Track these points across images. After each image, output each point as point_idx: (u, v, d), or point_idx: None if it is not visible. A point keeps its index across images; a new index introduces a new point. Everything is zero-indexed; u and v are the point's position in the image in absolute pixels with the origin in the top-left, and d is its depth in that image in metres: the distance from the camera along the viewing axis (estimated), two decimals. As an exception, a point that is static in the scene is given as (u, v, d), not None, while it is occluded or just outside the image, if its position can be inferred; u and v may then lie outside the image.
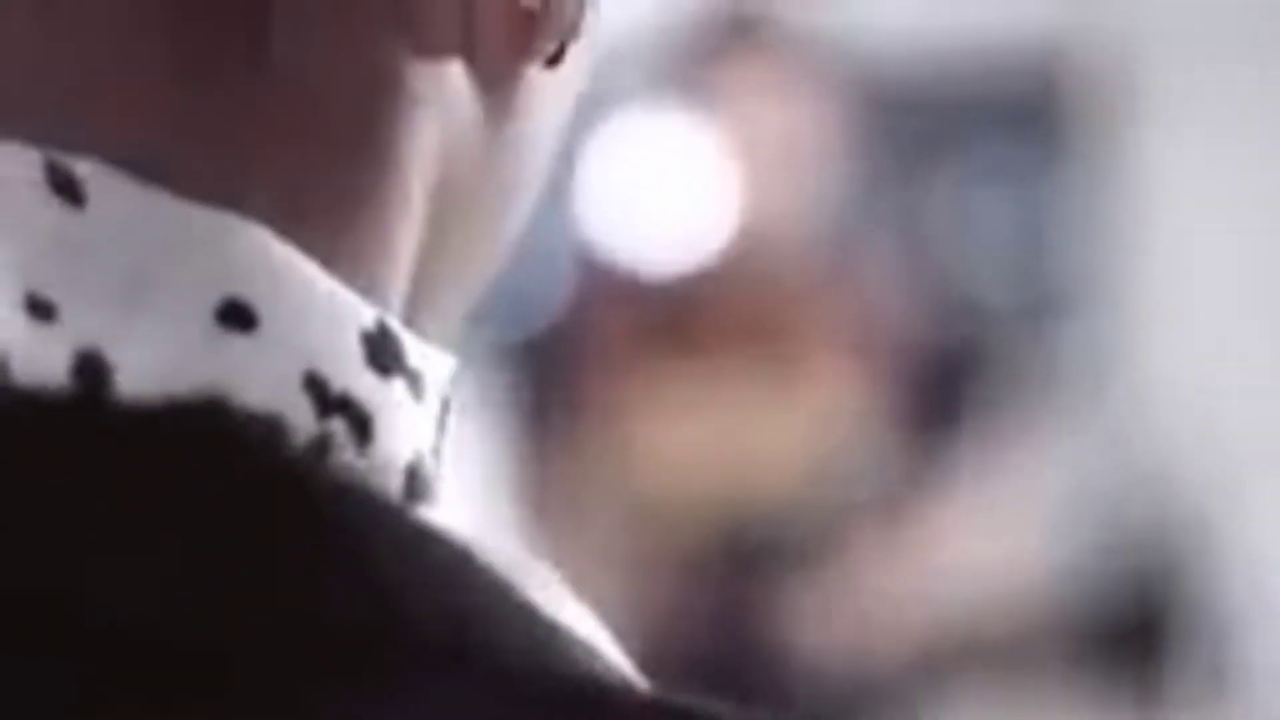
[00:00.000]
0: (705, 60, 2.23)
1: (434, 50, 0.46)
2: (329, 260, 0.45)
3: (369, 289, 0.46)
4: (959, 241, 6.10)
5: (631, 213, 2.51)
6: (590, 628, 0.45)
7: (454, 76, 0.46)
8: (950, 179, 6.57)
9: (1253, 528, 5.24)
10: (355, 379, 0.44)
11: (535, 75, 0.48)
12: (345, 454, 0.44)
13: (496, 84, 0.47)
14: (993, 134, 6.60)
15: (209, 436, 0.42)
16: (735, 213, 2.26)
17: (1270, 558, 5.05)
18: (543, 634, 0.42)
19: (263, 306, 0.44)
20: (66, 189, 0.43)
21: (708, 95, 2.25)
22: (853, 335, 2.20)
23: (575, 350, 2.29)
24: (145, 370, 0.42)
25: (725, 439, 2.19)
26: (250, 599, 0.40)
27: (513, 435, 2.34)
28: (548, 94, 0.48)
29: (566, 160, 5.94)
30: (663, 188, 2.39)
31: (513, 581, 0.43)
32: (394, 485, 0.45)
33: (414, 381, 0.46)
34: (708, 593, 2.14)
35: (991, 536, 2.42)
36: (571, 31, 0.47)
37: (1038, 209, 6.56)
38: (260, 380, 0.43)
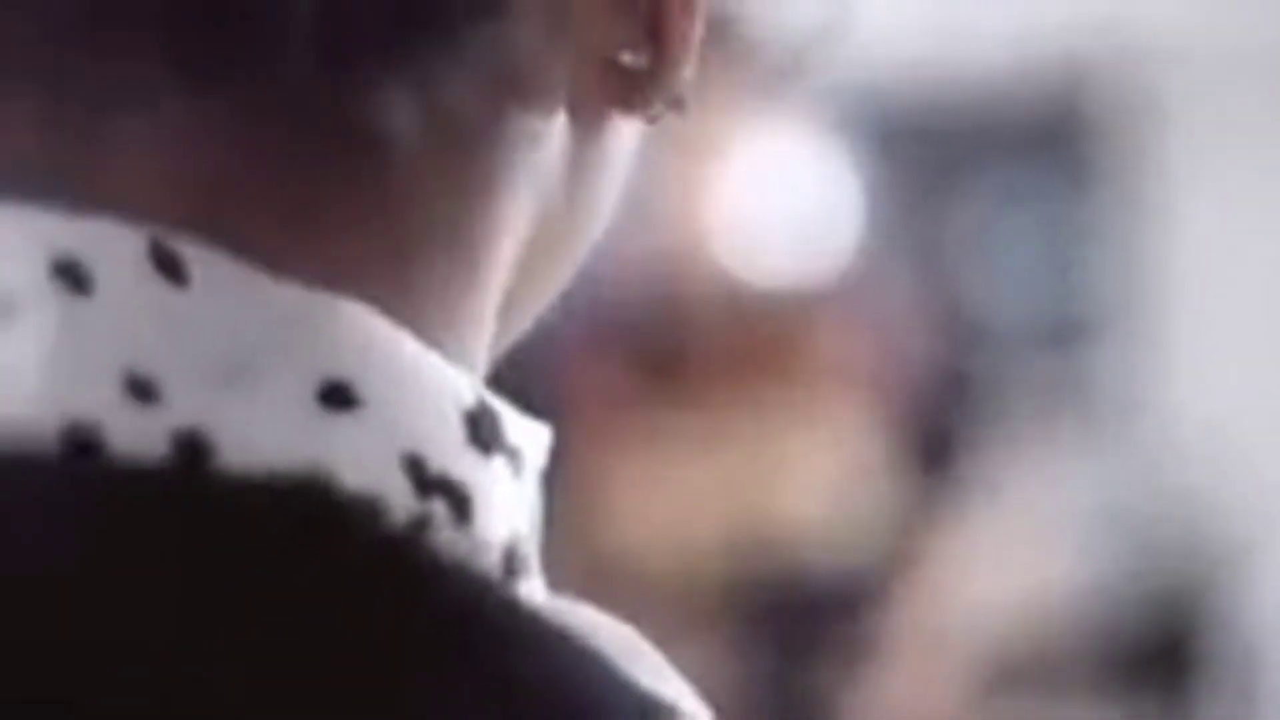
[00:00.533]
0: None
1: (539, 108, 0.46)
2: (430, 329, 0.45)
3: (463, 350, 0.46)
4: (981, 269, 6.09)
5: (620, 242, 2.47)
6: (693, 705, 0.45)
7: (552, 134, 0.47)
8: (971, 207, 6.56)
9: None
10: (455, 458, 0.44)
11: (619, 124, 0.48)
12: (444, 533, 0.43)
13: (590, 136, 0.48)
14: (1014, 160, 6.59)
15: (309, 515, 0.42)
16: (730, 238, 2.19)
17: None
18: (643, 710, 0.42)
19: (364, 387, 0.44)
20: (169, 267, 0.43)
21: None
22: (867, 370, 2.13)
23: (558, 397, 2.19)
24: (246, 451, 0.42)
25: (730, 488, 2.12)
26: (352, 688, 0.40)
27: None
28: (626, 140, 0.49)
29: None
30: (655, 215, 2.31)
31: (620, 662, 0.43)
32: (493, 563, 0.44)
33: (513, 458, 0.46)
34: (729, 657, 2.07)
35: (1018, 564, 2.39)
36: (672, 98, 0.47)
37: (1061, 234, 6.55)
38: (361, 461, 0.43)
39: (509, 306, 0.48)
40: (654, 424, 2.14)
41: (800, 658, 2.10)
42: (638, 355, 2.16)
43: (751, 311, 2.15)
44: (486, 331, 0.47)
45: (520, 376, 1.90)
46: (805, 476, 2.13)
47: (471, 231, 0.46)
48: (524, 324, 0.50)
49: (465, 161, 0.45)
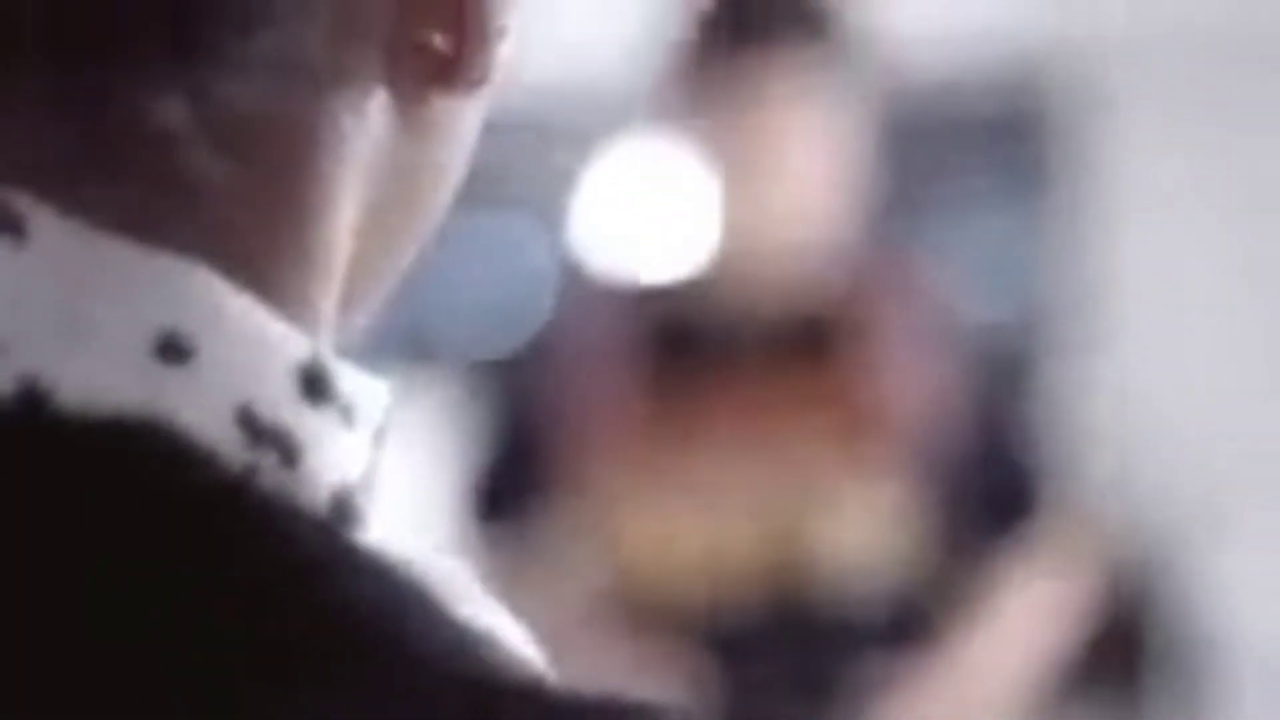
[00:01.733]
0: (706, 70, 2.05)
1: (340, 100, 0.50)
2: (267, 290, 0.48)
3: (304, 310, 0.49)
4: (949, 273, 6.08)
5: (633, 251, 2.41)
6: (515, 637, 0.48)
7: (369, 119, 0.50)
8: (931, 209, 6.56)
9: (1231, 555, 5.24)
10: (285, 410, 0.47)
11: (449, 101, 0.52)
12: (271, 478, 0.46)
13: (414, 118, 0.51)
14: (969, 161, 6.59)
15: (141, 456, 0.45)
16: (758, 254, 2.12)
17: (1247, 585, 5.04)
18: (453, 635, 0.45)
19: (197, 341, 0.47)
20: (8, 225, 0.46)
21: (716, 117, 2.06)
22: (896, 399, 2.07)
23: (588, 424, 2.14)
24: (84, 398, 0.45)
25: (763, 516, 2.11)
26: (174, 622, 0.43)
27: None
28: (458, 118, 0.53)
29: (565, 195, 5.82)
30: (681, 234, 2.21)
31: (440, 594, 0.46)
32: (319, 505, 0.47)
33: (346, 411, 0.49)
34: (752, 685, 2.04)
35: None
36: (481, 75, 0.51)
37: (1016, 233, 6.55)
38: (194, 410, 0.46)
39: (355, 277, 0.51)
40: (685, 450, 2.11)
41: (825, 689, 2.07)
42: (666, 379, 2.11)
43: (784, 330, 2.10)
44: (325, 300, 0.50)
45: (551, 406, 1.80)
46: (841, 506, 2.09)
47: (289, 214, 0.49)
48: (373, 294, 0.53)
49: (265, 154, 0.49)
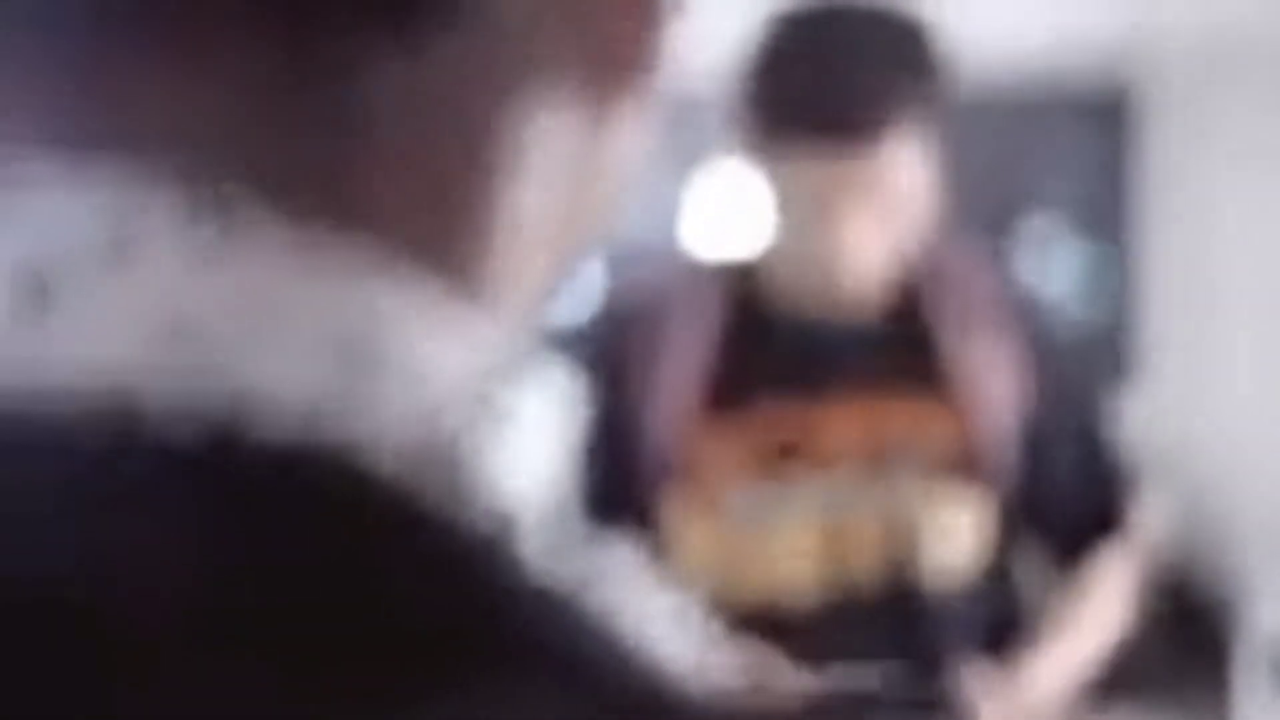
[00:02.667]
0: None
1: (543, 101, 0.49)
2: (448, 289, 0.48)
3: (479, 310, 0.49)
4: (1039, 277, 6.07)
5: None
6: (670, 623, 0.48)
7: (559, 127, 0.50)
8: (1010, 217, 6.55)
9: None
10: (466, 416, 0.47)
11: (619, 124, 0.51)
12: (454, 491, 0.46)
13: (591, 132, 0.51)
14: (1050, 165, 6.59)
15: (341, 480, 0.44)
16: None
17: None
18: (620, 648, 0.44)
19: (384, 346, 0.46)
20: (209, 216, 0.45)
21: None
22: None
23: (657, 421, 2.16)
24: (276, 408, 0.44)
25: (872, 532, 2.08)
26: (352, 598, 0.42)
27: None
28: (625, 140, 0.52)
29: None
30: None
31: (597, 605, 0.45)
32: (497, 515, 0.46)
33: (512, 418, 0.48)
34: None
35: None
36: (656, 63, 0.51)
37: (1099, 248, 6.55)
38: (385, 420, 0.45)
39: (525, 272, 0.51)
40: (795, 451, 2.08)
41: (930, 694, 2.06)
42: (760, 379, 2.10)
43: (881, 337, 2.09)
44: (494, 298, 0.50)
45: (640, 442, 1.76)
46: (953, 510, 2.09)
47: (475, 207, 0.48)
48: (525, 306, 0.52)
49: (460, 142, 0.48)
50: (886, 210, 1.94)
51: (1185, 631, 2.12)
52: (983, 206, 6.32)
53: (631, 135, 0.52)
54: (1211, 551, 5.22)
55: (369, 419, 0.45)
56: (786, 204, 1.97)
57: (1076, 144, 6.69)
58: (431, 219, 0.48)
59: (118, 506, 0.43)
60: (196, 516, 0.43)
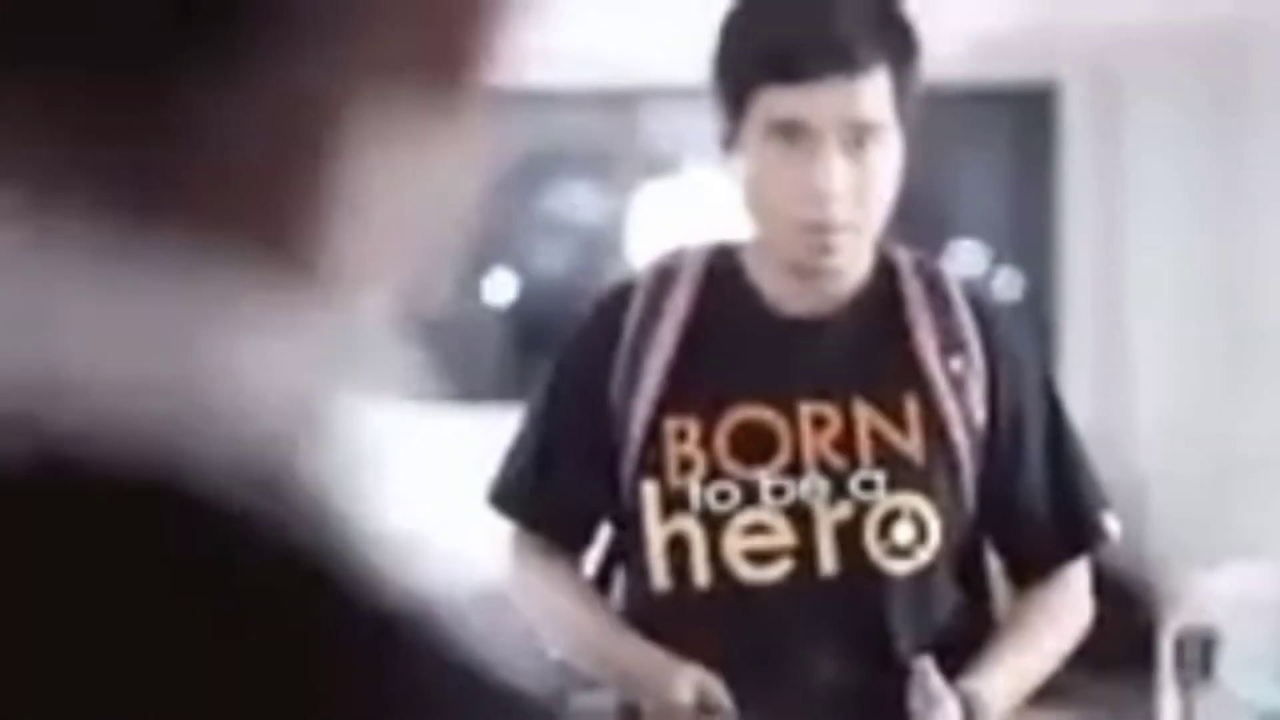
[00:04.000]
0: None
1: (388, 78, 0.50)
2: (285, 284, 0.49)
3: (319, 303, 0.50)
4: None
5: None
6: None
7: (402, 104, 0.50)
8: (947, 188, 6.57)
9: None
10: (298, 422, 0.49)
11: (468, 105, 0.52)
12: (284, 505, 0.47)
13: (437, 109, 0.51)
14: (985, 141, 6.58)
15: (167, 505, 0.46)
16: None
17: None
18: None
19: (206, 346, 0.48)
20: (27, 222, 0.47)
21: None
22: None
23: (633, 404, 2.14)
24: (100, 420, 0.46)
25: None
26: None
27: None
28: (477, 121, 0.52)
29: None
30: None
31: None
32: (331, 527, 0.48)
33: (356, 422, 0.50)
34: None
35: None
36: (501, 56, 0.51)
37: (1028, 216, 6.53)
38: (209, 433, 0.47)
39: (358, 280, 0.52)
40: (767, 438, 2.16)
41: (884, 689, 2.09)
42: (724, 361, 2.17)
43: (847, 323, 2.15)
44: (337, 291, 0.51)
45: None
46: (916, 494, 2.15)
47: (310, 199, 0.49)
48: (376, 299, 0.52)
49: (296, 138, 0.49)
50: (864, 170, 2.00)
51: (1109, 617, 2.15)
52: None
53: (481, 131, 0.51)
54: (1132, 538, 5.27)
55: (194, 428, 0.45)
56: (767, 163, 2.02)
57: (995, 149, 6.72)
58: (264, 211, 0.48)
59: None
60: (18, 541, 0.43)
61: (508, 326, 6.46)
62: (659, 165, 6.59)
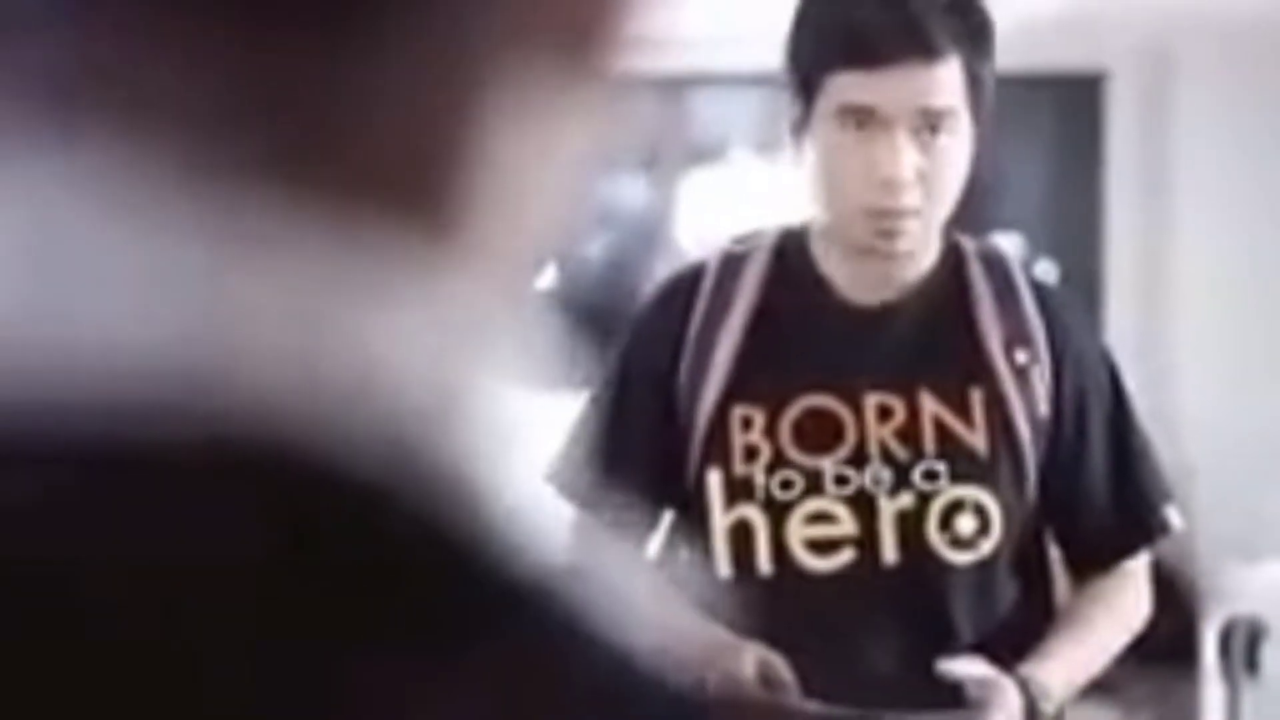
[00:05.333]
0: None
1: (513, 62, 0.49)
2: (426, 258, 0.50)
3: (459, 278, 0.51)
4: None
5: None
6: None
7: (526, 86, 0.50)
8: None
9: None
10: (431, 396, 0.49)
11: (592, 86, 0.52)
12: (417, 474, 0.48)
13: (563, 90, 0.51)
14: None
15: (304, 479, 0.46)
16: None
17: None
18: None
19: (342, 320, 0.48)
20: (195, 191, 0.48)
21: None
22: None
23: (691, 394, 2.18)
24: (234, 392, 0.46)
25: None
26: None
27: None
28: (601, 106, 0.53)
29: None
30: None
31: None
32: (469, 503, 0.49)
33: (490, 399, 0.50)
34: None
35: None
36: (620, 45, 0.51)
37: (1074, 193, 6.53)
38: (342, 405, 0.48)
39: (492, 258, 0.52)
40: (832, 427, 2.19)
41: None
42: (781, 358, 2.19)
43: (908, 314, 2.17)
44: (476, 267, 0.51)
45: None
46: (979, 481, 2.18)
47: (450, 173, 0.50)
48: (508, 279, 0.53)
49: (429, 114, 0.49)
50: (934, 157, 2.00)
51: (1153, 610, 2.15)
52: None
53: (604, 116, 0.52)
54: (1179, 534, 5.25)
55: (335, 402, 0.45)
56: (837, 148, 2.02)
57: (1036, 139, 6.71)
58: (410, 177, 0.48)
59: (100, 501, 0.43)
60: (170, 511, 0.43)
61: (550, 314, 6.46)
62: (706, 153, 6.58)
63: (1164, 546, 2.25)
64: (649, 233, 6.65)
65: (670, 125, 6.61)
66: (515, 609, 0.45)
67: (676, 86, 6.52)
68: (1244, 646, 4.56)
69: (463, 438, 0.47)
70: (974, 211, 6.52)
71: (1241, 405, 5.95)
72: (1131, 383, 2.18)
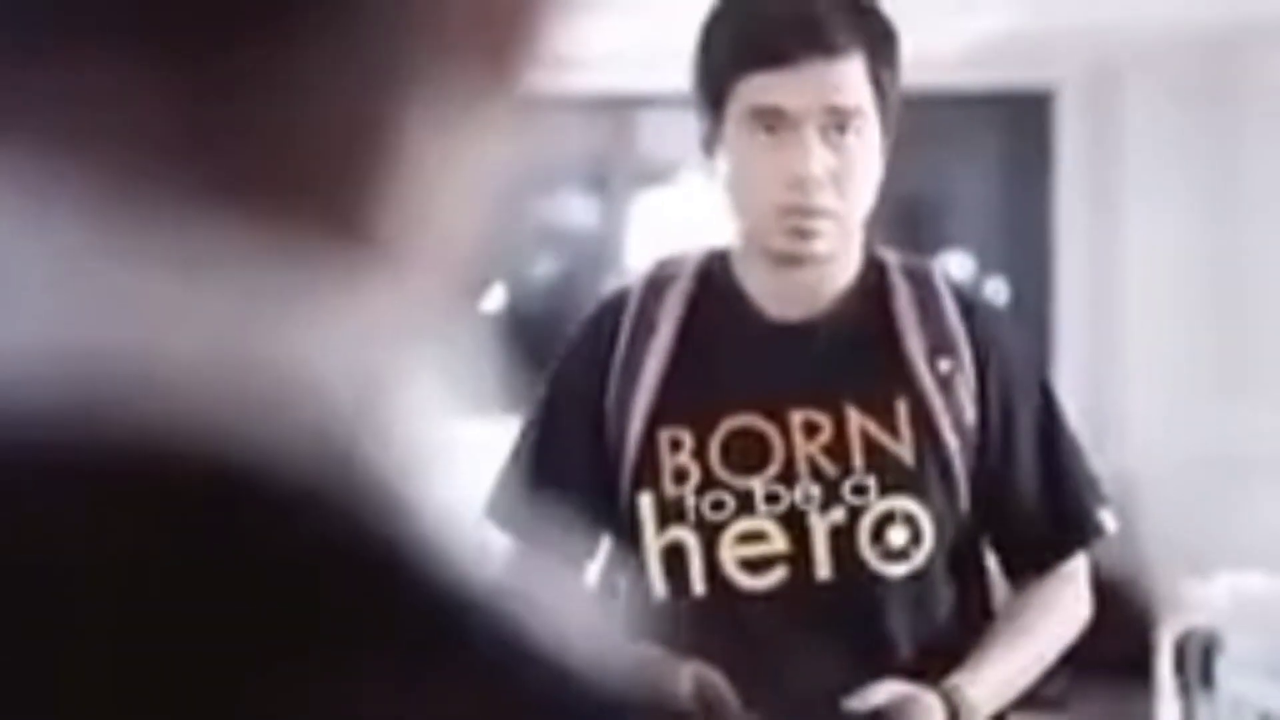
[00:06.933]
0: None
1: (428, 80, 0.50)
2: (347, 267, 0.50)
3: (381, 287, 0.51)
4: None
5: None
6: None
7: (442, 102, 0.50)
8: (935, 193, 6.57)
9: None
10: (362, 407, 0.50)
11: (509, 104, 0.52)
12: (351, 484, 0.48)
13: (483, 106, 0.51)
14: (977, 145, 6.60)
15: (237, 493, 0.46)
16: None
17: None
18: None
19: (268, 333, 0.48)
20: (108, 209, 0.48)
21: None
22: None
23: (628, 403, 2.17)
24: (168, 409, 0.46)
25: None
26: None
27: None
28: (518, 122, 0.52)
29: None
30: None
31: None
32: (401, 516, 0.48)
33: (419, 411, 0.51)
34: None
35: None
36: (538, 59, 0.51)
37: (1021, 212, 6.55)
38: (273, 421, 0.48)
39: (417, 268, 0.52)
40: (758, 442, 2.18)
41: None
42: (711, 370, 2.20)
43: (833, 329, 2.19)
44: (399, 276, 0.51)
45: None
46: (903, 494, 2.18)
47: (367, 186, 0.50)
48: (432, 292, 0.52)
49: (344, 126, 0.49)
50: (844, 157, 2.03)
51: (1105, 622, 2.15)
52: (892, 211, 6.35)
53: (527, 130, 0.52)
54: (1127, 542, 5.27)
55: (261, 409, 0.45)
56: (747, 152, 2.05)
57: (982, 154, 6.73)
58: (337, 185, 0.48)
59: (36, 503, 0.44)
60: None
61: (497, 336, 6.46)
62: (656, 174, 6.60)
63: (1117, 560, 2.26)
64: (599, 254, 6.66)
65: (620, 146, 6.63)
66: (441, 622, 0.45)
67: (627, 107, 6.53)
68: (1199, 660, 4.57)
69: (386, 449, 0.47)
70: (924, 231, 6.55)
71: (1193, 419, 5.99)
72: (1083, 397, 2.19)
